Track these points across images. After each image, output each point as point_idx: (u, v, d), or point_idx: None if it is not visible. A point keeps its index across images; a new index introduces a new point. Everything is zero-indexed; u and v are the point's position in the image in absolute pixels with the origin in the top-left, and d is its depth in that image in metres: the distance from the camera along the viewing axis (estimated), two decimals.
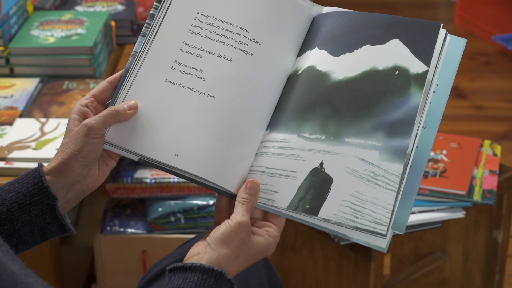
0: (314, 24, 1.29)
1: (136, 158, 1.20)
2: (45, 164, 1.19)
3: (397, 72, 1.19)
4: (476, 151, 2.08)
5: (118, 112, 1.18)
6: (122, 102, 1.21)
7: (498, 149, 2.10)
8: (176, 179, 2.18)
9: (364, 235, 1.13)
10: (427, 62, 1.19)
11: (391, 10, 4.58)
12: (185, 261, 1.13)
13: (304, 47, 1.27)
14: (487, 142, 2.12)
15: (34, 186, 1.16)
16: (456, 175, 1.98)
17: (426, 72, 1.18)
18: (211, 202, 2.18)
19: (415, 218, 1.91)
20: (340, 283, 1.98)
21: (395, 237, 1.88)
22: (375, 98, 1.18)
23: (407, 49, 1.20)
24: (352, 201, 1.13)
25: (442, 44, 1.20)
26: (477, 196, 1.94)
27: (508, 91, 3.72)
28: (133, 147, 1.19)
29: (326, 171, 1.16)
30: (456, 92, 3.70)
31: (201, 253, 1.13)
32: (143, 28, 1.24)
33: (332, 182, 1.15)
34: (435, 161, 2.03)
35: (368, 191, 1.13)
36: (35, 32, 2.21)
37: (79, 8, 2.47)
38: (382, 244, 1.13)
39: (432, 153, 2.06)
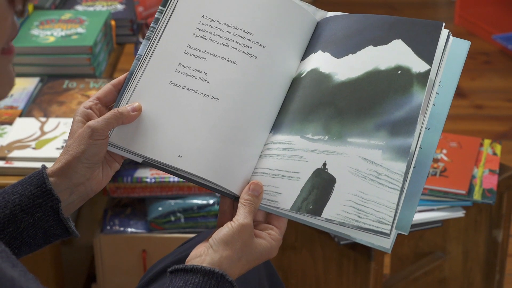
0: (318, 28, 1.29)
1: (139, 160, 1.20)
2: (48, 165, 1.19)
3: (399, 72, 1.19)
4: (476, 150, 2.08)
5: (122, 114, 1.18)
6: (126, 105, 1.21)
7: (498, 148, 2.10)
8: (176, 178, 2.17)
9: (367, 236, 1.13)
10: (429, 61, 1.19)
11: (391, 10, 4.58)
12: (187, 262, 1.13)
13: (308, 51, 1.27)
14: (487, 142, 2.13)
15: (38, 188, 1.16)
16: (456, 174, 1.98)
17: (428, 71, 1.18)
18: (211, 201, 2.18)
19: (415, 217, 1.91)
20: (340, 283, 1.98)
21: None
22: (377, 98, 1.18)
23: (409, 49, 1.20)
24: (355, 201, 1.13)
25: (445, 44, 1.20)
26: (477, 196, 1.94)
27: (508, 90, 3.73)
28: (136, 148, 1.19)
29: (329, 171, 1.15)
30: (456, 92, 3.68)
31: (203, 254, 1.13)
32: (148, 31, 1.25)
33: (335, 182, 1.15)
34: (435, 160, 2.04)
35: (371, 191, 1.13)
36: (35, 32, 2.21)
37: (79, 8, 2.48)
38: (386, 244, 1.13)
39: None
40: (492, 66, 3.97)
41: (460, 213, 1.94)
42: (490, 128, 3.41)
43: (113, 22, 2.36)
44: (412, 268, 2.19)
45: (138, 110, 1.20)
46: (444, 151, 2.08)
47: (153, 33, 1.25)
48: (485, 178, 1.99)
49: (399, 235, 1.87)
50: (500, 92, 3.72)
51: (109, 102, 1.23)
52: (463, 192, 1.94)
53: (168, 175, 2.16)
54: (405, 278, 2.14)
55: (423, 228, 1.92)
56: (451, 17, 4.45)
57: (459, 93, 3.68)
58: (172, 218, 2.17)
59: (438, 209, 1.94)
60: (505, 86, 3.78)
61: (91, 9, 2.46)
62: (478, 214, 2.15)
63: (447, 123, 3.56)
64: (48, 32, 2.21)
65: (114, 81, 1.23)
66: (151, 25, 1.25)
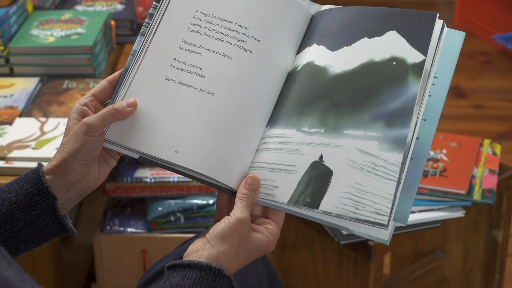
0: (313, 21, 1.29)
1: (136, 156, 1.20)
2: (45, 164, 1.19)
3: (394, 63, 1.19)
4: (476, 150, 2.08)
5: (117, 110, 1.18)
6: (122, 101, 1.21)
7: (498, 148, 2.10)
8: (176, 178, 2.18)
9: (366, 228, 1.13)
10: (424, 51, 1.18)
11: None
12: (184, 258, 1.13)
13: (303, 45, 1.28)
14: (487, 141, 2.12)
15: (34, 186, 1.16)
16: (456, 174, 1.98)
17: (423, 62, 1.18)
18: (211, 201, 2.18)
19: (415, 217, 1.91)
20: (340, 283, 1.98)
21: (395, 236, 1.88)
22: (373, 90, 1.18)
23: (404, 40, 1.20)
24: (352, 193, 1.13)
25: (440, 34, 1.20)
26: (477, 196, 1.94)
27: (508, 90, 3.73)
28: (133, 144, 1.19)
29: (326, 164, 1.15)
30: (456, 92, 3.70)
31: (200, 249, 1.12)
32: (142, 27, 1.25)
33: (332, 174, 1.15)
34: (435, 160, 2.03)
35: (368, 182, 1.12)
36: (34, 32, 2.21)
37: (79, 8, 2.48)
38: (384, 236, 1.13)
39: (432, 153, 2.06)
40: (492, 66, 3.97)
41: (460, 213, 1.94)
42: (489, 128, 3.41)
43: (113, 22, 2.36)
44: (412, 268, 2.19)
45: (134, 105, 1.20)
46: (444, 151, 2.07)
47: (148, 29, 1.24)
48: (485, 178, 1.99)
49: (399, 235, 1.88)
50: (500, 92, 3.72)
51: (105, 98, 1.23)
52: (463, 192, 1.93)
53: (168, 174, 2.17)
54: (405, 278, 2.13)
55: (423, 228, 1.92)
56: (451, 17, 4.46)
57: (459, 93, 3.68)
58: (172, 218, 2.17)
59: (438, 209, 1.94)
60: (505, 86, 3.78)
61: (91, 9, 2.47)
62: (478, 214, 2.15)
63: (447, 123, 3.52)
64: (48, 32, 2.21)
65: (109, 77, 1.23)
66: (146, 20, 1.25)
